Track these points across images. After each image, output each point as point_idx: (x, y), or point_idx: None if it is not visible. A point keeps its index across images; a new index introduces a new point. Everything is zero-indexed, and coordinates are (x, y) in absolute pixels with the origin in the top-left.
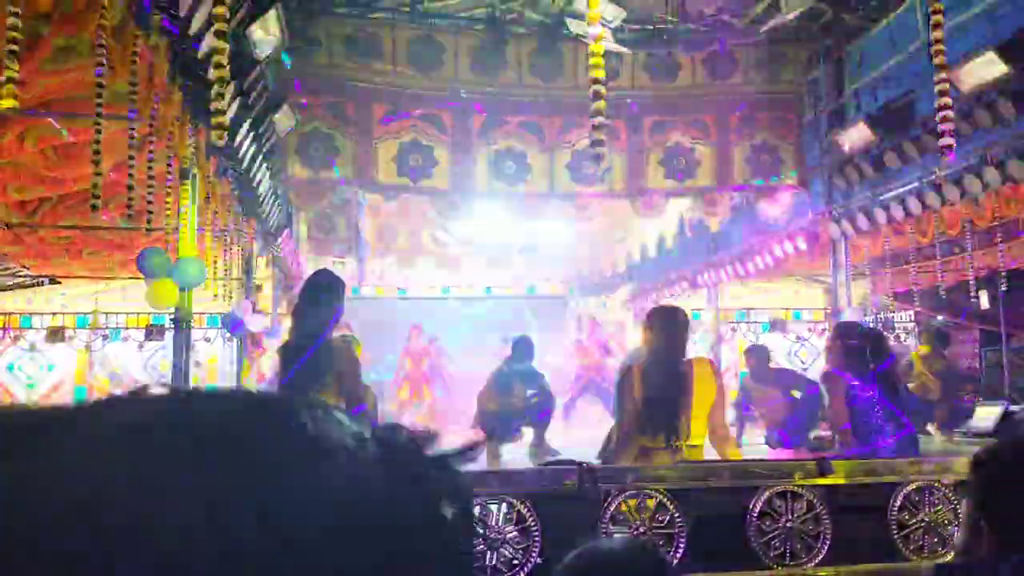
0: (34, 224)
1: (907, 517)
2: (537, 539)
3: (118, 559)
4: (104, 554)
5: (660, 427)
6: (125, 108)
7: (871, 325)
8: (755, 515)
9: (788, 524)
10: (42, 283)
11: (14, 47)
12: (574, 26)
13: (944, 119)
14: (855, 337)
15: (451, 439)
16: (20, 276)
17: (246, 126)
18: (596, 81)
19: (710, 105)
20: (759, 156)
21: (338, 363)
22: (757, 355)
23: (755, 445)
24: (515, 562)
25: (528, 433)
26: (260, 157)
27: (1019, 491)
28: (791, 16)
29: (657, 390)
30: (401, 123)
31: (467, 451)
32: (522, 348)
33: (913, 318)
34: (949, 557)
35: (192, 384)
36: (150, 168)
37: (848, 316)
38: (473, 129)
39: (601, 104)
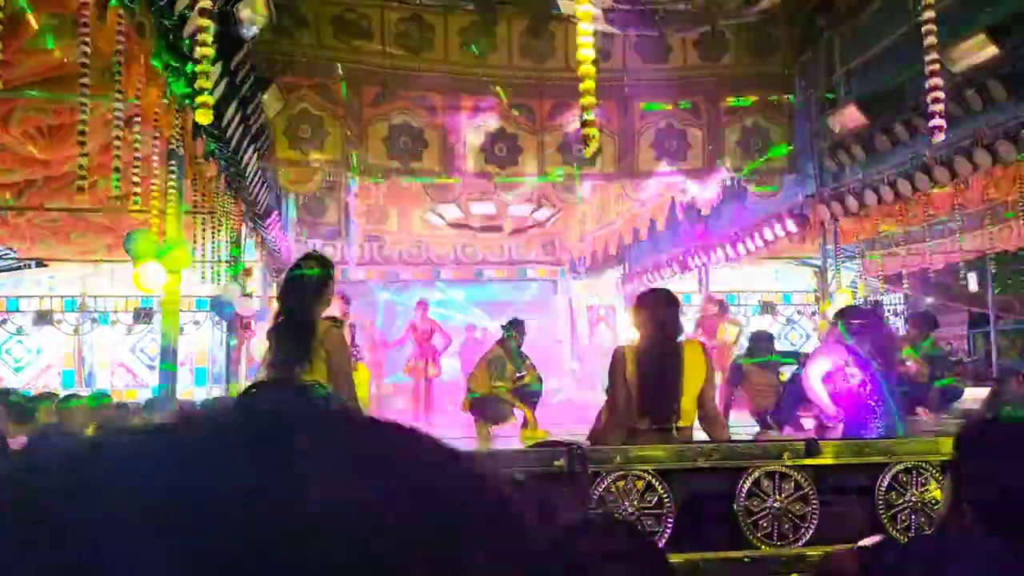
0: (20, 206)
1: (895, 497)
2: None
3: None
4: None
5: (651, 409)
6: (111, 88)
7: (873, 309)
8: (743, 496)
9: (776, 504)
10: (29, 266)
11: None
12: (565, 6)
13: (935, 101)
14: (857, 317)
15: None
16: (7, 259)
17: (233, 107)
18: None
19: (701, 86)
20: (750, 138)
21: (327, 345)
22: (757, 339)
23: (743, 426)
24: None
25: (519, 415)
26: (247, 139)
27: (996, 469)
28: None
29: (649, 373)
30: (391, 105)
31: None
32: (513, 330)
33: (902, 300)
34: None
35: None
36: (136, 149)
37: (837, 299)
38: (463, 111)
39: (591, 85)
